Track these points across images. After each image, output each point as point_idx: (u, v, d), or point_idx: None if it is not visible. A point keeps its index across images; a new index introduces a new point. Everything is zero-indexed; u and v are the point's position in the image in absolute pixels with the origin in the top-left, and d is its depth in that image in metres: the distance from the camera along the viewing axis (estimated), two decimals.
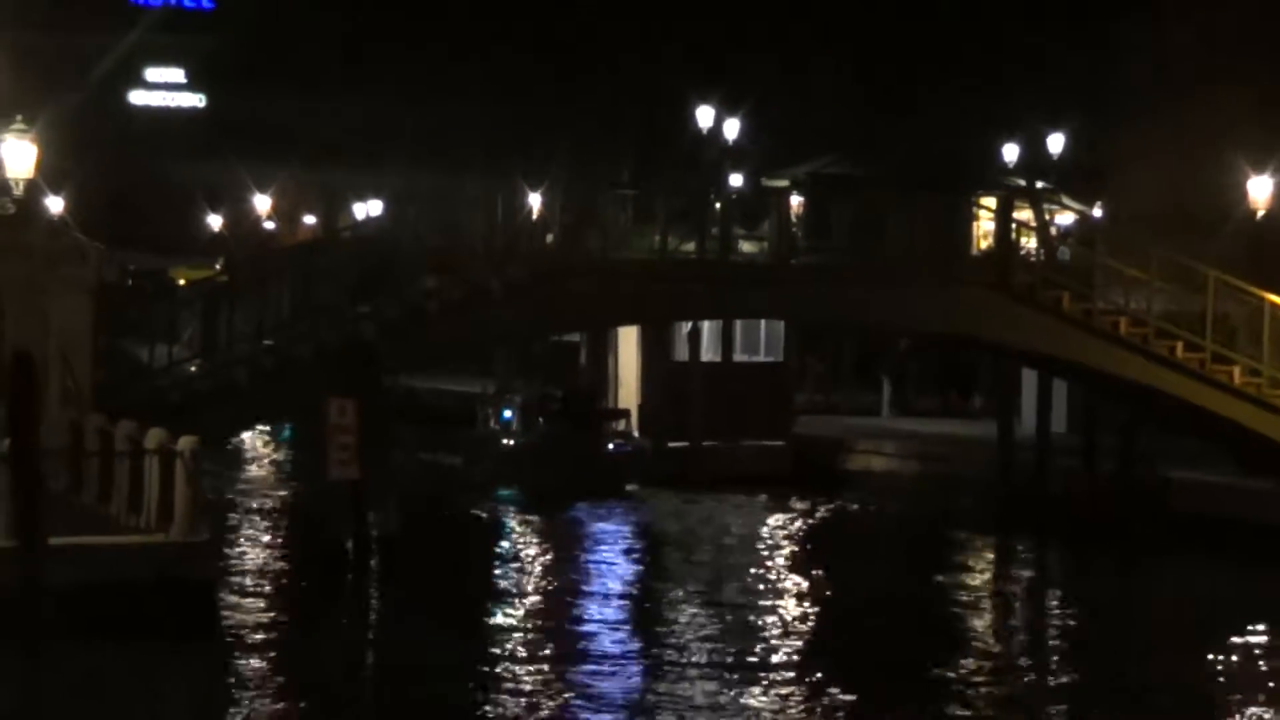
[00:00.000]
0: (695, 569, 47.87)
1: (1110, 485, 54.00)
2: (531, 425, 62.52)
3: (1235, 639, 38.82)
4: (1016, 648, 40.71)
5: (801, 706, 32.75)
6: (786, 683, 34.38)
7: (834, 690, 33.69)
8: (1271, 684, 35.24)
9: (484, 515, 55.38)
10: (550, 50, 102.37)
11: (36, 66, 62.48)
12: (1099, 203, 71.71)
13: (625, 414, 64.47)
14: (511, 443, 62.21)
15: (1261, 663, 36.79)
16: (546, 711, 31.81)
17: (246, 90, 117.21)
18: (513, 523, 54.37)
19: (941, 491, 57.65)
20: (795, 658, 37.50)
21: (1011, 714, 33.54)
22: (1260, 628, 39.70)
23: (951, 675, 35.43)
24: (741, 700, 33.42)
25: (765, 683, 34.47)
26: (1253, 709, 32.98)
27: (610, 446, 62.14)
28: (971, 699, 33.91)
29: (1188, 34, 62.37)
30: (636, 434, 63.73)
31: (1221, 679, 35.24)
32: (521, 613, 41.47)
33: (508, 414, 63.27)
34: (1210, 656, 37.22)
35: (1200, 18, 61.99)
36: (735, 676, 35.16)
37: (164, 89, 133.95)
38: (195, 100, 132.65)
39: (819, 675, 35.47)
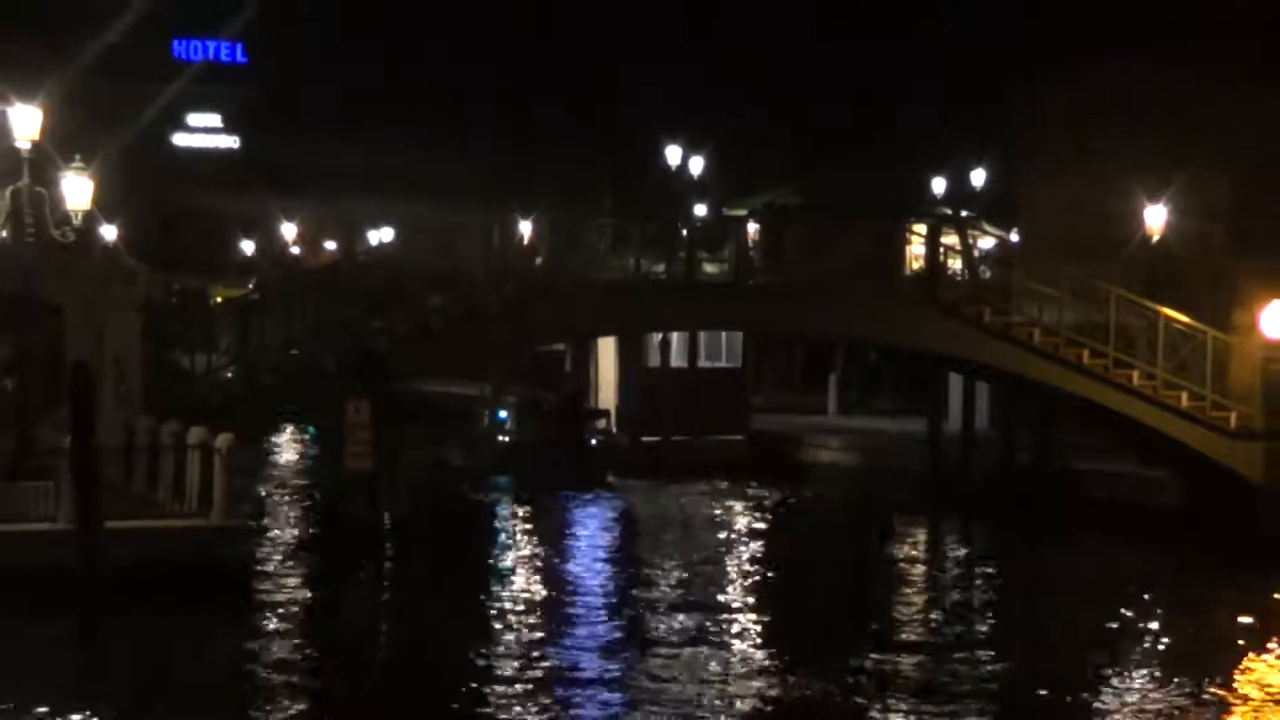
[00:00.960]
0: (664, 542, 47.92)
1: (1027, 474, 53.95)
2: (524, 423, 62.48)
3: (1125, 600, 38.81)
4: (936, 607, 40.61)
5: (752, 632, 33.68)
6: (739, 619, 35.32)
7: (776, 625, 34.55)
8: (1152, 634, 35.59)
9: (482, 500, 55.18)
10: (542, 96, 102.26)
11: (91, 112, 62.37)
12: (1015, 229, 71.25)
13: (605, 414, 64.50)
14: (506, 439, 62.21)
15: (1143, 620, 36.91)
16: (538, 667, 31.83)
17: (275, 133, 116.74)
18: (508, 507, 54.03)
19: (879, 480, 57.58)
20: (749, 600, 38.48)
21: (929, 659, 33.49)
22: (1146, 595, 39.75)
23: (876, 627, 36.15)
24: (704, 630, 34.69)
25: (723, 621, 35.46)
26: (1136, 655, 33.36)
27: (593, 442, 62.19)
28: (898, 645, 34.40)
29: (1093, 84, 62.39)
30: (615, 430, 64.03)
31: (1113, 629, 35.40)
32: (517, 581, 41.47)
33: (502, 414, 63.15)
34: (1102, 613, 37.36)
35: (1102, 72, 62.04)
36: (694, 614, 36.27)
37: (203, 132, 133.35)
38: (230, 142, 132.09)
39: (768, 615, 36.76)
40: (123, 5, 71.82)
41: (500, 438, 62.58)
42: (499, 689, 30.44)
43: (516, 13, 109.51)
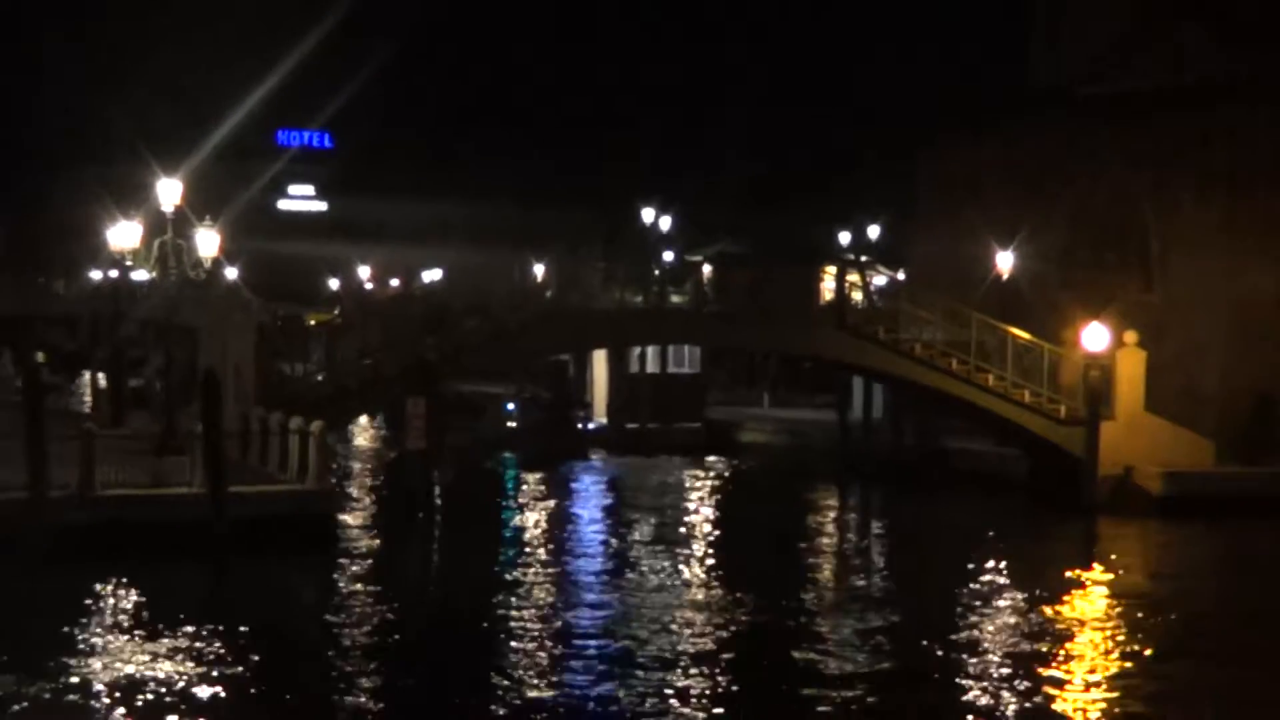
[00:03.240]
0: (639, 499, 47.65)
1: (910, 451, 53.42)
2: (525, 413, 62.25)
3: (983, 538, 39.24)
4: (838, 549, 40.98)
5: (706, 564, 33.25)
6: (697, 554, 34.89)
7: (720, 560, 34.38)
8: (1003, 559, 35.78)
9: (498, 470, 54.67)
10: (550, 168, 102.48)
11: (218, 184, 62.50)
12: (902, 269, 71.05)
13: (587, 405, 64.14)
14: (512, 424, 61.85)
15: (996, 551, 37.04)
16: (547, 585, 32.03)
17: (353, 199, 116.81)
18: (519, 476, 53.23)
19: (800, 455, 57.32)
20: (700, 536, 38.15)
21: (836, 580, 34.11)
22: (998, 535, 39.95)
23: (792, 565, 36.15)
24: (668, 560, 34.66)
25: (683, 555, 35.36)
26: (990, 574, 33.47)
27: (578, 426, 62.07)
28: (807, 582, 34.63)
29: (957, 162, 62.57)
30: (605, 419, 63.91)
31: (970, 569, 35.24)
32: (530, 529, 41.56)
33: (510, 406, 62.97)
34: (966, 547, 37.76)
35: (964, 153, 62.19)
36: (656, 549, 36.25)
37: (300, 199, 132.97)
38: (320, 206, 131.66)
39: (712, 550, 36.84)
40: (240, 102, 71.92)
41: (509, 423, 62.01)
42: (517, 600, 30.84)
43: (537, 113, 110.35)
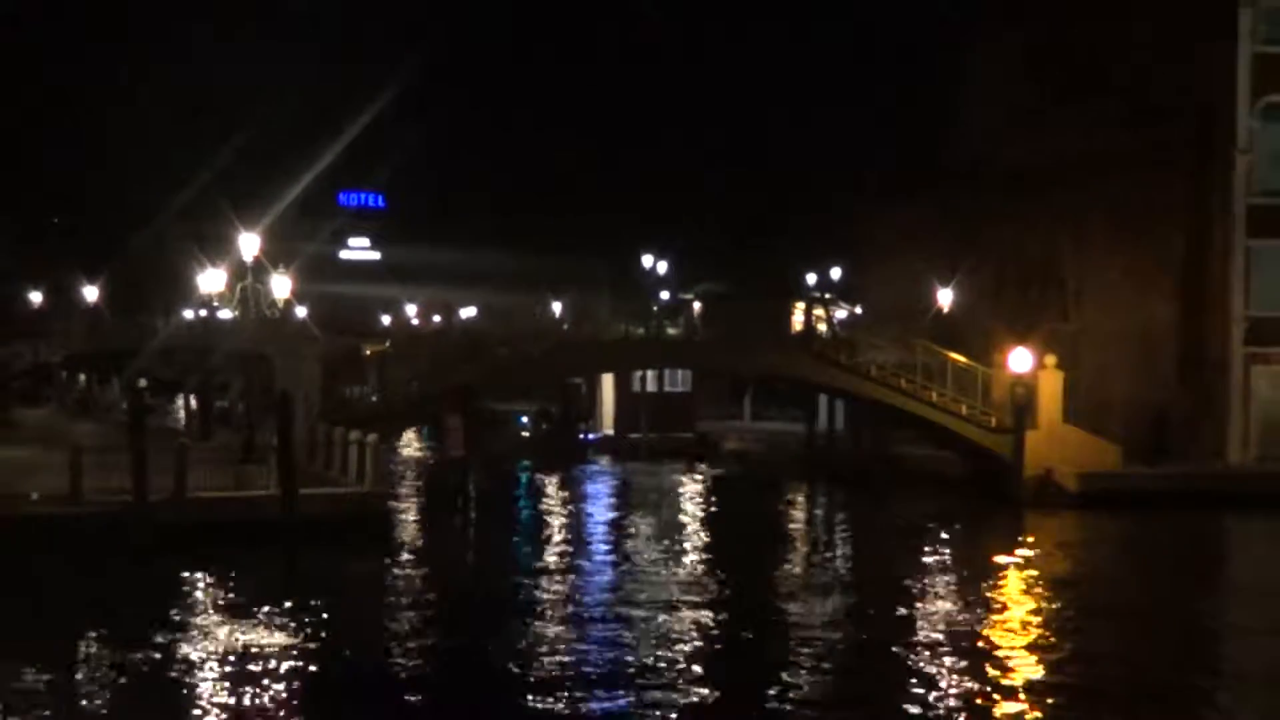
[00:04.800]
0: (640, 496, 47.52)
1: (867, 456, 52.85)
2: (536, 426, 62.32)
3: (925, 528, 39.16)
4: (807, 533, 40.95)
5: (699, 548, 33.18)
6: (688, 541, 34.78)
7: (708, 547, 34.43)
8: (942, 544, 35.87)
9: (518, 474, 53.85)
10: (565, 224, 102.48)
11: (289, 237, 62.55)
12: (859, 305, 71.56)
13: (589, 418, 63.47)
14: (526, 434, 61.81)
15: (938, 539, 37.16)
16: (564, 565, 31.92)
17: (402, 248, 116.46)
18: (538, 478, 52.34)
19: (775, 460, 56.92)
20: (693, 527, 38.07)
21: (806, 562, 33.69)
22: (939, 526, 39.92)
23: (768, 551, 35.97)
24: (661, 549, 34.22)
25: (676, 542, 34.88)
26: (934, 556, 33.62)
27: (580, 436, 61.66)
28: (780, 564, 34.42)
29: (905, 217, 62.78)
30: (612, 431, 63.20)
31: (916, 552, 35.34)
32: (554, 524, 41.04)
33: (524, 419, 62.84)
34: (913, 535, 37.71)
35: (908, 210, 62.38)
36: (654, 538, 35.96)
37: (357, 249, 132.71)
38: (375, 255, 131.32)
39: (701, 539, 36.37)
40: (308, 168, 72.09)
41: (523, 434, 62.02)
42: (538, 579, 30.81)
43: (557, 181, 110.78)
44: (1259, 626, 27.91)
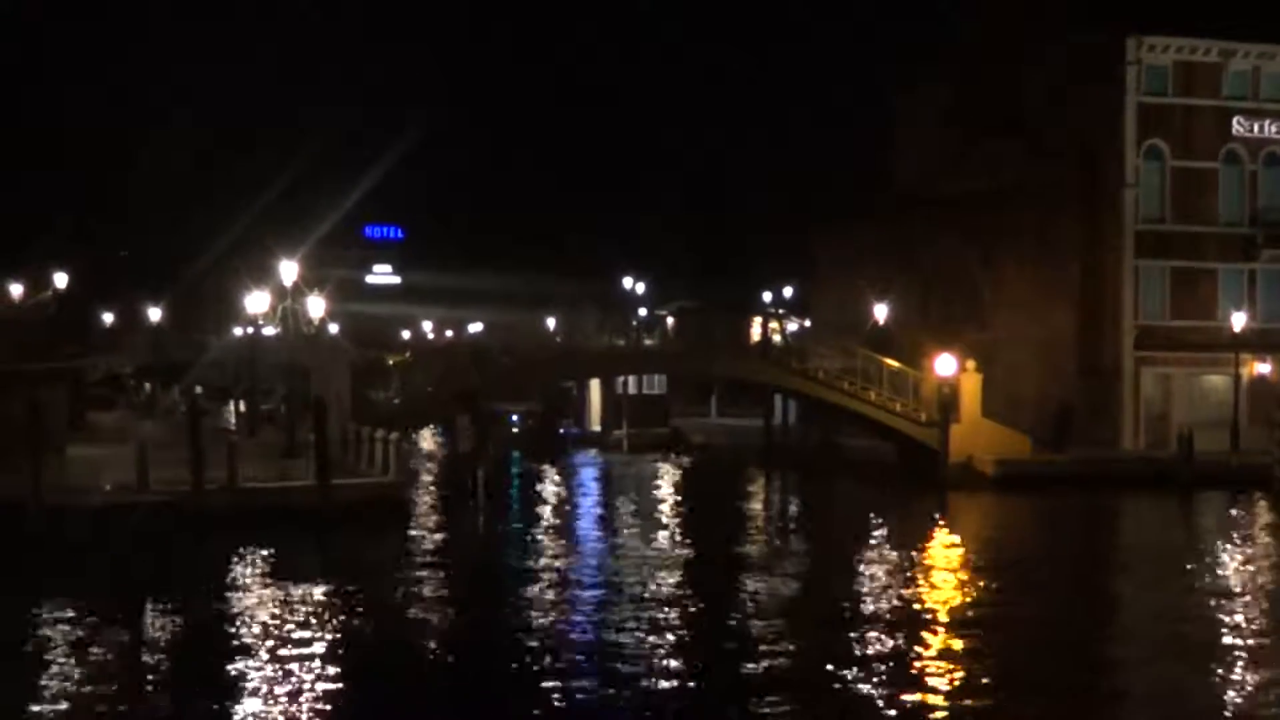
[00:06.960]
0: (623, 483, 47.30)
1: (815, 447, 53.41)
2: (525, 422, 62.01)
3: (864, 507, 39.06)
4: (764, 512, 40.82)
5: (672, 526, 32.92)
6: (664, 520, 34.56)
7: (681, 524, 34.22)
8: (879, 522, 35.56)
9: (517, 466, 53.53)
10: (557, 247, 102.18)
11: (322, 265, 62.20)
12: (809, 318, 71.61)
13: (569, 416, 63.33)
14: (515, 430, 61.54)
15: (875, 517, 36.90)
16: (559, 541, 31.83)
17: (419, 274, 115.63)
18: (532, 468, 51.87)
19: (737, 451, 56.76)
20: (674, 507, 37.92)
21: (767, 539, 33.20)
22: (875, 506, 39.80)
23: (732, 527, 35.88)
24: (642, 527, 33.55)
25: (654, 520, 34.69)
26: (873, 533, 33.47)
27: (561, 431, 61.38)
28: (742, 538, 34.21)
29: (843, 242, 62.84)
30: (599, 427, 62.80)
31: (855, 527, 35.29)
32: (550, 508, 40.81)
33: (514, 417, 62.72)
34: (853, 513, 37.85)
35: (846, 236, 62.44)
36: (636, 517, 35.43)
37: (381, 274, 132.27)
38: (396, 279, 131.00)
39: (675, 518, 35.93)
40: (338, 206, 72.13)
41: (513, 430, 61.79)
42: (537, 556, 30.50)
43: (549, 212, 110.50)
44: (1144, 583, 28.47)
